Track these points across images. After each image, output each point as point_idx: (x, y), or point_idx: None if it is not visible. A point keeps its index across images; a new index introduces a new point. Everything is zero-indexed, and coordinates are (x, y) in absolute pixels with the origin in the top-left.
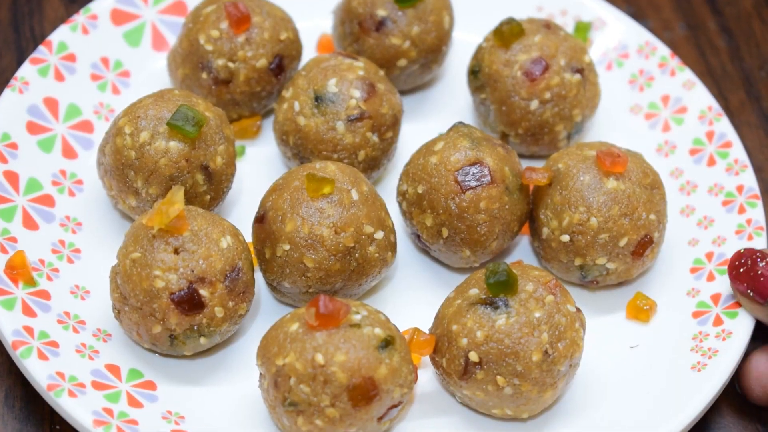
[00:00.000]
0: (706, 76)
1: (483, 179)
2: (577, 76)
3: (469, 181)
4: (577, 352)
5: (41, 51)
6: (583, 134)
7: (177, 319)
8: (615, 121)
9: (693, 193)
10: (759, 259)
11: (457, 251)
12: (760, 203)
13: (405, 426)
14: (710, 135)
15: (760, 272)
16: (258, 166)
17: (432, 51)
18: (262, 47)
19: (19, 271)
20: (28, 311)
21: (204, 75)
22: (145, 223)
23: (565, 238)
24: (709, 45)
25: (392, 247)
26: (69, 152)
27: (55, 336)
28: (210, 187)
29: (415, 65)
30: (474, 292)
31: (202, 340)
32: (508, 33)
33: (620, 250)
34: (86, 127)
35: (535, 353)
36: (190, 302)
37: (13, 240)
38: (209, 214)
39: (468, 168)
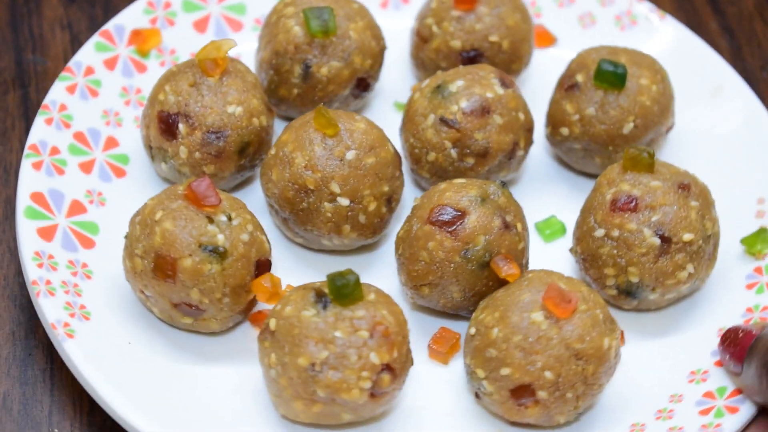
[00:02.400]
0: None
1: (450, 225)
2: (658, 241)
3: (440, 215)
4: None
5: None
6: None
7: (155, 132)
8: None
9: None
10: (741, 331)
11: (399, 273)
12: None
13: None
14: None
15: (739, 341)
16: None
17: None
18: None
19: None
20: None
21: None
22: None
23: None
24: (711, 45)
25: (355, 222)
26: None
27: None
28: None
29: None
30: None
31: (163, 165)
32: (639, 161)
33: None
34: None
35: None
36: (167, 124)
37: None
38: None
39: (450, 209)
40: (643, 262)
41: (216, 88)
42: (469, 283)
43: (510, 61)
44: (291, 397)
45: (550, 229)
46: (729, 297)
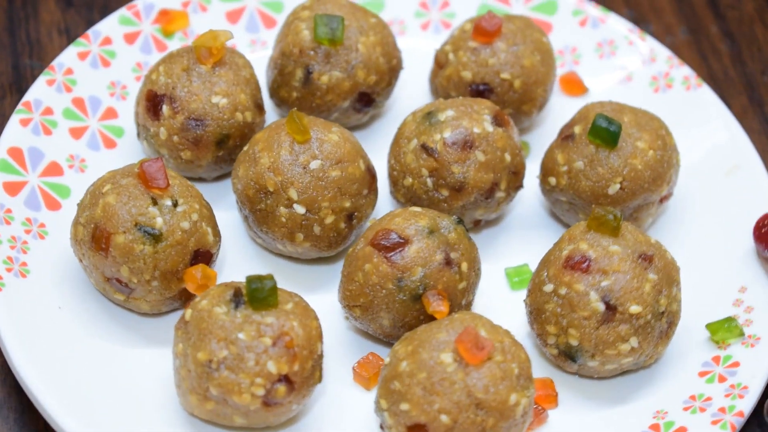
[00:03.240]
0: (708, 81)
1: (390, 251)
2: (602, 308)
3: (383, 239)
4: None
5: None
6: None
7: (142, 110)
8: None
9: None
10: None
11: (338, 289)
12: None
13: None
14: None
15: None
16: None
17: None
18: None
19: None
20: None
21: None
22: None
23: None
24: (711, 49)
25: (308, 232)
26: None
27: None
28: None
29: None
30: None
31: (144, 144)
32: (603, 223)
33: None
34: None
35: None
36: (154, 103)
37: None
38: None
39: (395, 235)
40: (584, 326)
41: (206, 76)
42: (399, 313)
43: (521, 102)
44: (188, 389)
45: (519, 276)
46: (677, 380)
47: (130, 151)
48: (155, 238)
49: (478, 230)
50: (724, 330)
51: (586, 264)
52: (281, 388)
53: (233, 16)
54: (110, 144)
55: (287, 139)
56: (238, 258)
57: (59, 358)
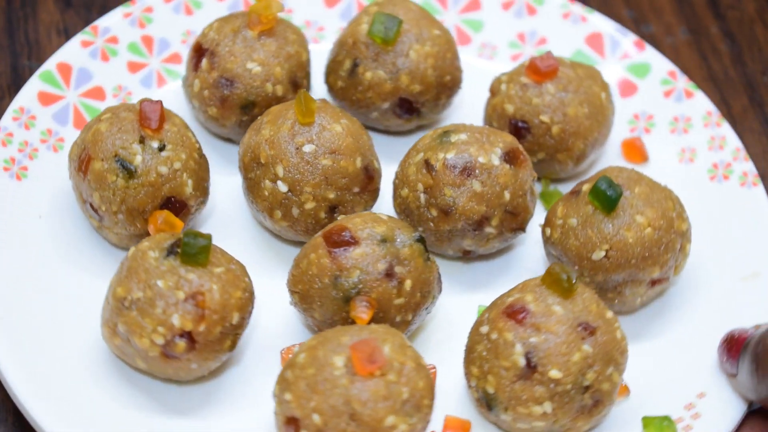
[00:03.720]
0: (708, 82)
1: (337, 247)
2: (523, 363)
3: (336, 234)
4: None
5: None
6: None
7: (189, 58)
8: None
9: None
10: (737, 333)
11: None
12: None
13: None
14: None
15: (734, 341)
16: None
17: None
18: None
19: None
20: None
21: None
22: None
23: None
24: (711, 50)
25: (286, 212)
26: None
27: None
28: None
29: None
30: None
31: (183, 91)
32: (556, 282)
33: None
34: None
35: None
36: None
37: None
38: None
39: (349, 234)
40: (502, 376)
41: (250, 41)
42: (329, 310)
43: (555, 149)
44: (103, 320)
45: None
46: None
47: (176, 93)
48: (129, 173)
49: (466, 260)
50: (657, 427)
51: (522, 315)
52: (181, 343)
53: (331, 2)
54: (162, 84)
55: (293, 118)
56: (235, 226)
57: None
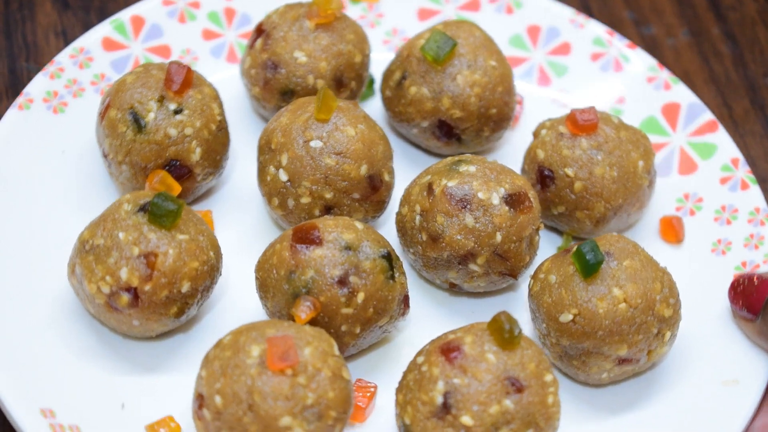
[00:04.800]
0: (709, 84)
1: (301, 243)
2: (440, 402)
3: (306, 231)
4: None
5: None
6: None
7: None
8: None
9: None
10: (756, 279)
11: None
12: None
13: None
14: None
15: (754, 289)
16: None
17: None
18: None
19: None
20: None
21: None
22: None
23: None
24: (713, 51)
25: (282, 202)
26: None
27: None
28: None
29: None
30: None
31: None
32: (498, 330)
33: None
34: None
35: None
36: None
37: None
38: None
39: (317, 233)
40: (419, 409)
41: (305, 32)
42: (279, 302)
43: (575, 206)
44: (69, 259)
45: None
46: None
47: (237, 70)
48: (139, 127)
49: (453, 293)
50: None
51: (455, 354)
52: (125, 297)
53: (425, 15)
54: (232, 59)
55: (311, 112)
56: (246, 206)
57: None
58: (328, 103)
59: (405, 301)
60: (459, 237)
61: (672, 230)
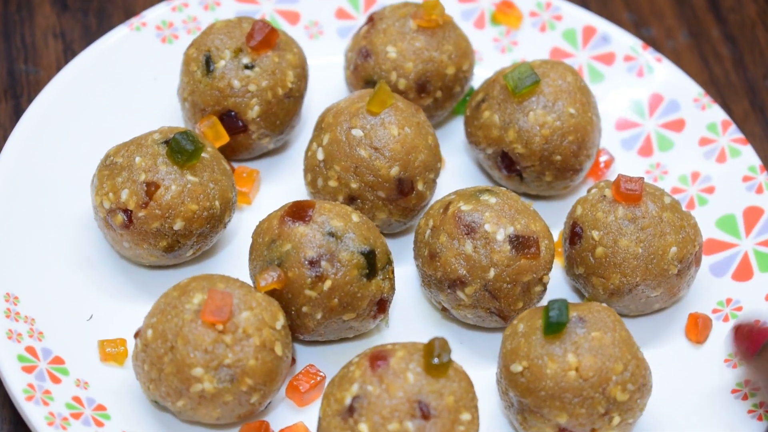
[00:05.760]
0: (709, 86)
1: (290, 216)
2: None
3: (300, 206)
4: None
5: None
6: None
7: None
8: None
9: None
10: (756, 324)
11: None
12: None
13: None
14: None
15: (753, 334)
16: None
17: None
18: None
19: None
20: None
21: None
22: None
23: None
24: (713, 53)
25: (314, 178)
26: None
27: None
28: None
29: None
30: None
31: None
32: (427, 356)
33: None
34: None
35: None
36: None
37: None
38: None
39: (311, 211)
40: (331, 405)
41: (406, 30)
42: (257, 266)
43: (593, 271)
44: (94, 171)
45: None
46: None
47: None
48: (207, 71)
49: (446, 317)
50: None
51: (380, 363)
52: (120, 217)
53: (557, 54)
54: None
55: (365, 101)
56: (293, 174)
57: None
58: (381, 97)
59: (381, 304)
60: (453, 260)
61: (696, 329)
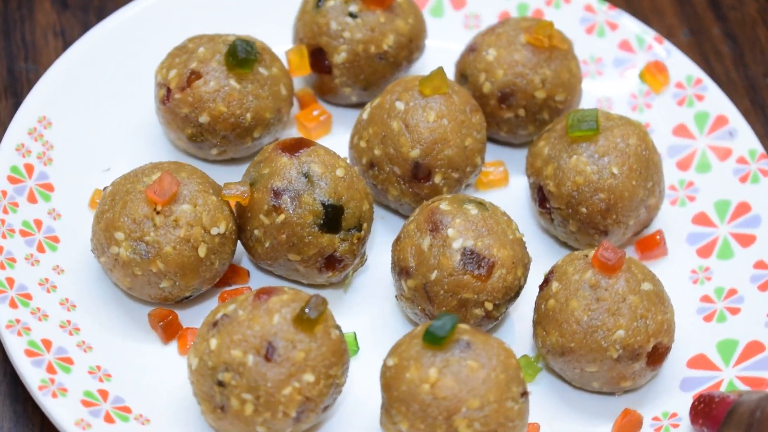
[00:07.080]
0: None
1: (286, 148)
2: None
3: (296, 142)
4: None
5: None
6: None
7: None
8: None
9: None
10: (715, 397)
11: None
12: None
13: None
14: None
15: (713, 406)
16: None
17: None
18: None
19: None
20: None
21: None
22: None
23: None
24: (714, 51)
25: (351, 149)
26: None
27: None
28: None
29: None
30: None
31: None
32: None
33: None
34: None
35: None
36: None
37: None
38: None
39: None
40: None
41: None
42: (246, 177)
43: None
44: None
45: None
46: None
47: None
48: (317, 5)
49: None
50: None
51: (263, 296)
52: (162, 92)
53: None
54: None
55: (418, 82)
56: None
57: None
58: (435, 81)
59: (330, 261)
60: (408, 249)
61: (620, 421)
